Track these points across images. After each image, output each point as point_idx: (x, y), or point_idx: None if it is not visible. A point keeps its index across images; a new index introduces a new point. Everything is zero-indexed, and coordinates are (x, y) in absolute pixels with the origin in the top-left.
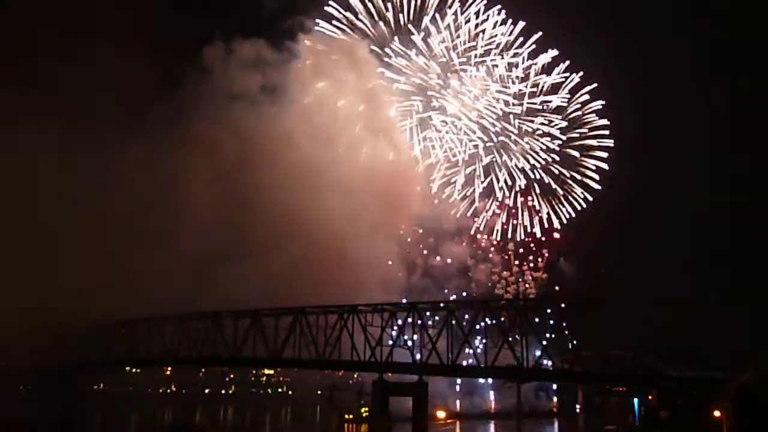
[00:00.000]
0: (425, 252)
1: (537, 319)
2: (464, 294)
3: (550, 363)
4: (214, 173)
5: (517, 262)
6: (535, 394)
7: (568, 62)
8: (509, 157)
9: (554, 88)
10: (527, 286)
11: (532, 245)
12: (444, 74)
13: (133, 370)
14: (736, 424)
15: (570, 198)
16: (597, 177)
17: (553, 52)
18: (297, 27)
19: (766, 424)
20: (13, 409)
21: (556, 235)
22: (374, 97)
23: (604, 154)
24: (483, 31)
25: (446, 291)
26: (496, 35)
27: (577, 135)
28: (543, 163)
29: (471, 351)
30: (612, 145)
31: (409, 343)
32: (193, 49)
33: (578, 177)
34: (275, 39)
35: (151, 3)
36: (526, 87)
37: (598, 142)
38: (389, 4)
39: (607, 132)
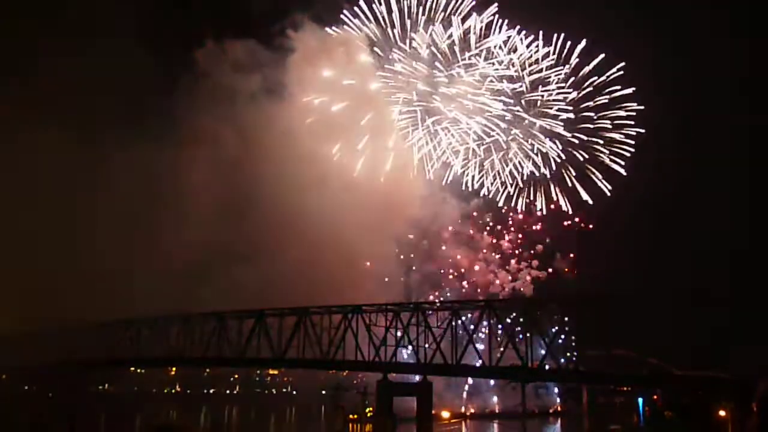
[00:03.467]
0: (423, 252)
1: (541, 319)
2: (463, 292)
3: (554, 363)
4: (215, 172)
5: (513, 261)
6: (535, 393)
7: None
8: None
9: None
10: (523, 283)
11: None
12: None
13: (138, 370)
14: (762, 423)
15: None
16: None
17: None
18: (288, 25)
19: None
20: (19, 408)
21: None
22: (372, 94)
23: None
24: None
25: (447, 292)
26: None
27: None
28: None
29: (475, 351)
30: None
31: (414, 343)
32: (185, 51)
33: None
34: (267, 38)
35: (142, 5)
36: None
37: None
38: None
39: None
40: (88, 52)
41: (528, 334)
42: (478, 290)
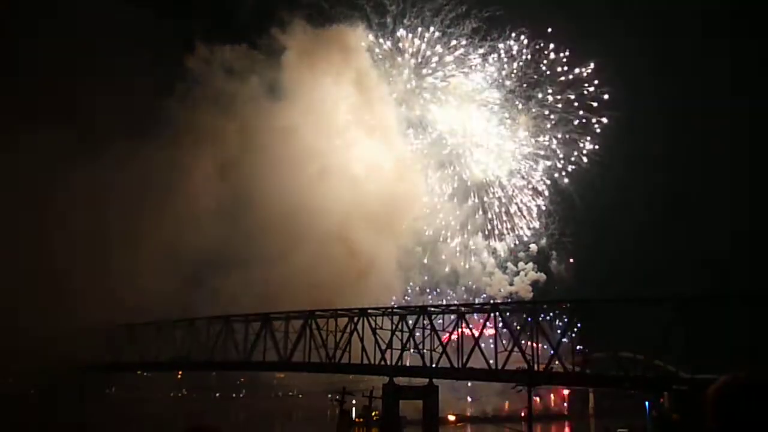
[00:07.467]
0: (422, 255)
1: (548, 321)
2: (464, 296)
3: (561, 366)
4: (220, 178)
5: (510, 264)
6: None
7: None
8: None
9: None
10: (521, 286)
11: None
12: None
13: (144, 374)
14: (714, 427)
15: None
16: None
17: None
18: (278, 26)
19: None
20: (24, 412)
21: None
22: (368, 95)
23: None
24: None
25: (449, 295)
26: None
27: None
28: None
29: (481, 354)
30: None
31: (420, 346)
32: (177, 56)
33: None
34: (258, 40)
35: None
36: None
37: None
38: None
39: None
40: (89, 52)
41: (534, 337)
42: (475, 295)
